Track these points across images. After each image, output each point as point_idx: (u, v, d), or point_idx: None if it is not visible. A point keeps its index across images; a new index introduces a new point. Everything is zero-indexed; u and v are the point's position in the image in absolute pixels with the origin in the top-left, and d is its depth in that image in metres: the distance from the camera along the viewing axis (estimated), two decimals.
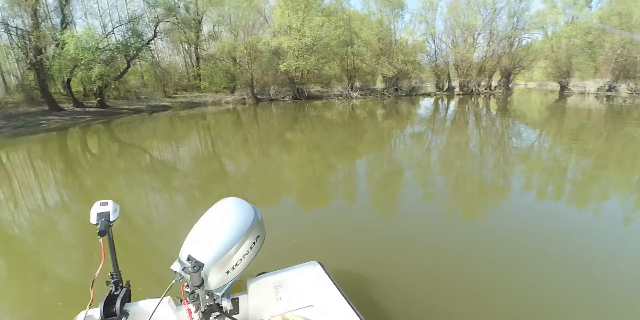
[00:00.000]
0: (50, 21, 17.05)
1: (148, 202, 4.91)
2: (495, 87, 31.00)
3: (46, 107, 16.28)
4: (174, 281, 1.39)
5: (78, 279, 2.93)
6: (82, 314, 1.44)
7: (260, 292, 1.66)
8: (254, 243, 1.47)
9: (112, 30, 19.88)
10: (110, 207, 1.51)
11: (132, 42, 19.32)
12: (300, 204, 4.47)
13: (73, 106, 17.26)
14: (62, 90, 17.94)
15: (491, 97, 22.91)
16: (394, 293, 2.36)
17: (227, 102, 21.18)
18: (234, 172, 6.39)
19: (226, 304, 1.47)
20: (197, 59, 25.98)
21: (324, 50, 21.83)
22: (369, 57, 23.59)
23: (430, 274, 2.60)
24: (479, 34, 27.63)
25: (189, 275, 1.33)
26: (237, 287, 1.59)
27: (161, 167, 7.01)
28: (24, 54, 16.31)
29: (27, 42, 15.76)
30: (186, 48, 26.06)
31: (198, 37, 24.67)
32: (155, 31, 21.67)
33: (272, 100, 21.70)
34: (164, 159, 7.99)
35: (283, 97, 21.93)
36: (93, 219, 1.50)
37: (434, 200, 4.39)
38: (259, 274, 1.71)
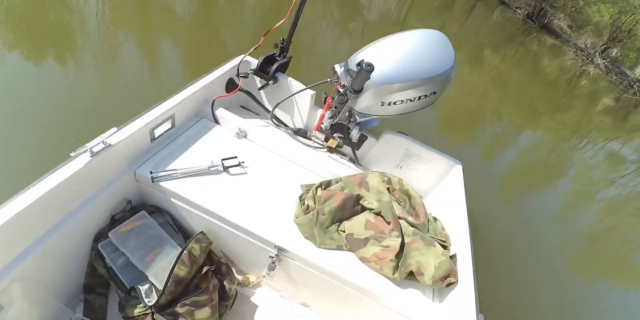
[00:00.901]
0: None
1: None
2: None
3: None
4: (329, 79, 1.38)
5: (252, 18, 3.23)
6: (240, 57, 1.52)
7: (388, 148, 1.60)
8: (425, 96, 1.29)
9: None
10: None
11: None
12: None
13: None
14: None
15: None
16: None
17: None
18: None
19: (354, 134, 1.45)
20: None
21: None
22: None
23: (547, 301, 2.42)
24: None
25: (349, 78, 1.26)
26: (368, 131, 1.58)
27: None
28: None
29: None
30: None
31: None
32: None
33: (502, 3, 17.82)
34: None
35: (516, 7, 17.78)
36: None
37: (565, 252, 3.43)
38: (399, 132, 1.62)
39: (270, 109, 1.54)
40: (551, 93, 8.44)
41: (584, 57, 16.81)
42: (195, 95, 1.31)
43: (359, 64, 1.20)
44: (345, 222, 1.17)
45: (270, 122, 1.58)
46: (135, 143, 1.10)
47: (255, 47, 1.46)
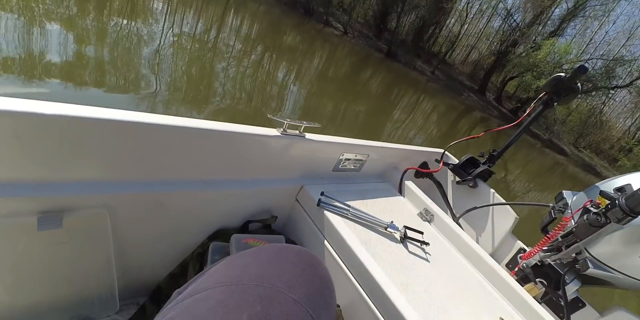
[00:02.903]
0: (542, 26, 19.28)
1: None
2: None
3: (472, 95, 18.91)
4: (551, 204, 1.14)
5: None
6: (440, 150, 1.50)
7: None
8: None
9: (588, 59, 19.95)
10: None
11: (598, 77, 18.78)
12: None
13: (494, 100, 19.31)
14: (497, 83, 20.34)
15: None
16: None
17: None
18: None
19: (570, 289, 1.00)
20: None
21: None
22: None
23: None
24: None
25: (590, 216, 0.88)
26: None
27: None
28: (500, 40, 19.43)
29: (511, 33, 18.71)
30: None
31: None
32: (631, 81, 20.04)
33: None
34: None
35: None
36: None
37: None
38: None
39: (456, 212, 1.43)
40: None
41: None
42: (389, 155, 1.25)
43: (620, 189, 0.91)
44: None
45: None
46: (322, 157, 1.01)
47: (472, 137, 1.45)
